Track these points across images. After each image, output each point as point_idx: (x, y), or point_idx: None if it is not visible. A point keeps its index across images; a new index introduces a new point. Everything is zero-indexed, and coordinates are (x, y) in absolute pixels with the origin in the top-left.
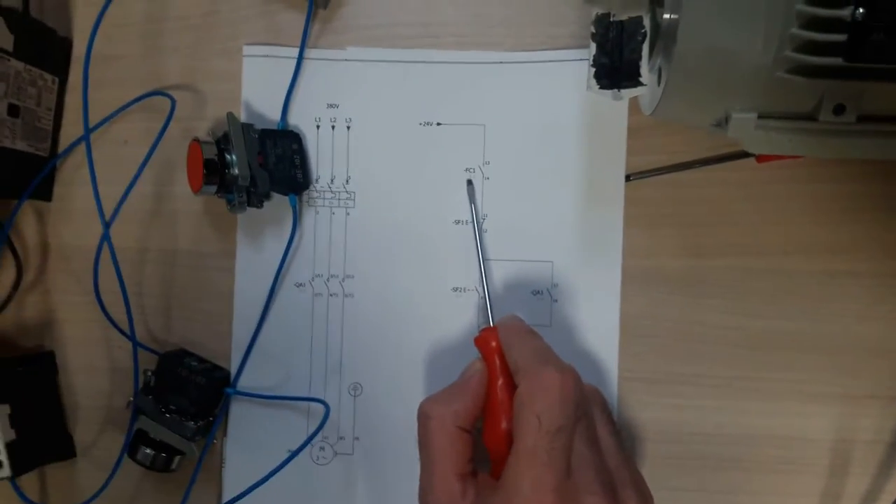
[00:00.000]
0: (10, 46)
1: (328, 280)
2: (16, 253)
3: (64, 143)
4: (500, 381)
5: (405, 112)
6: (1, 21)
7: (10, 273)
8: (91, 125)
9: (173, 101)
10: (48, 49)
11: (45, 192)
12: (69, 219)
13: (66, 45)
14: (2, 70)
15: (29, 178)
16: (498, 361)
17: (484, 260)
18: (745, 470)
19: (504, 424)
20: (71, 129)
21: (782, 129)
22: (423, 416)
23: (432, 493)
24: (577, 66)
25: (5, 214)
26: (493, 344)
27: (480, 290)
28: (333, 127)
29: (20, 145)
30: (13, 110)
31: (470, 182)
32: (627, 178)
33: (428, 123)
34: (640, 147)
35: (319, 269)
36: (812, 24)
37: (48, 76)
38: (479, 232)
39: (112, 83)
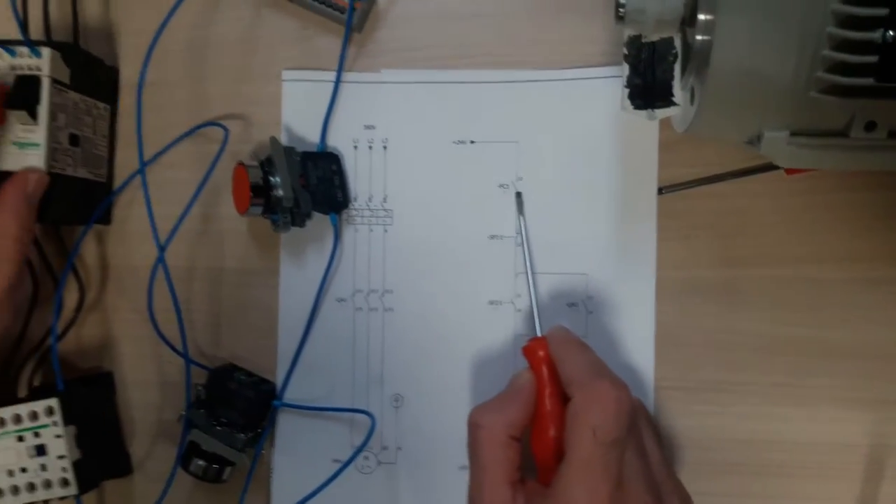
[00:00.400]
0: (67, 79)
1: (368, 295)
2: (79, 276)
3: (119, 166)
4: (548, 390)
5: (439, 131)
6: (57, 55)
7: (72, 296)
8: (143, 151)
9: (226, 132)
10: (98, 78)
11: (104, 217)
12: (124, 240)
13: (113, 73)
14: (62, 102)
15: (90, 203)
16: (546, 371)
17: (532, 270)
18: (781, 475)
19: (552, 432)
20: (124, 153)
21: (814, 145)
22: (474, 426)
23: (482, 501)
24: (607, 83)
25: (68, 238)
26: (541, 354)
27: (528, 300)
28: (370, 147)
29: (81, 173)
30: (73, 140)
31: (519, 194)
32: (660, 191)
33: (462, 141)
34: (671, 160)
35: (360, 284)
36: (843, 46)
37: (101, 104)
38: (527, 242)
39: (158, 108)
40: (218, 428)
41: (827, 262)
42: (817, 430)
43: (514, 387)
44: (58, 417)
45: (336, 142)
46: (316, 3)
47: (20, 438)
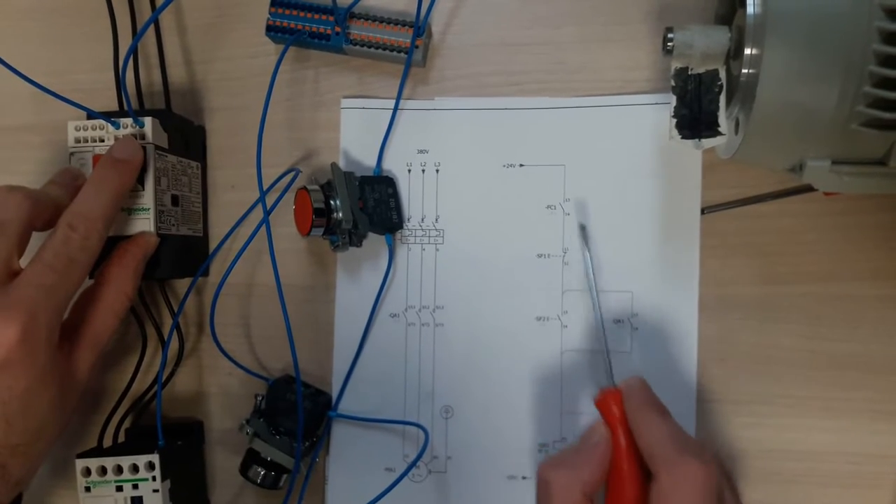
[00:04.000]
0: (165, 144)
1: (420, 311)
2: (179, 329)
3: (212, 221)
4: (625, 449)
5: (489, 155)
6: (157, 123)
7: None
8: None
9: (296, 174)
10: (189, 139)
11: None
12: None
13: (201, 132)
14: (164, 166)
15: (190, 258)
16: (622, 430)
17: (602, 315)
18: (819, 484)
19: (631, 494)
20: (214, 210)
21: (854, 173)
22: (545, 483)
23: None
24: (652, 109)
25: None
26: (616, 410)
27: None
28: (423, 170)
29: (183, 230)
30: (174, 200)
31: (583, 227)
32: (703, 211)
33: (511, 165)
34: (714, 182)
35: (412, 300)
36: (884, 83)
37: (193, 163)
38: (595, 280)
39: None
40: (277, 437)
41: (863, 279)
42: (852, 441)
43: (588, 443)
44: (157, 472)
45: (391, 165)
46: (380, 52)
47: (119, 488)
